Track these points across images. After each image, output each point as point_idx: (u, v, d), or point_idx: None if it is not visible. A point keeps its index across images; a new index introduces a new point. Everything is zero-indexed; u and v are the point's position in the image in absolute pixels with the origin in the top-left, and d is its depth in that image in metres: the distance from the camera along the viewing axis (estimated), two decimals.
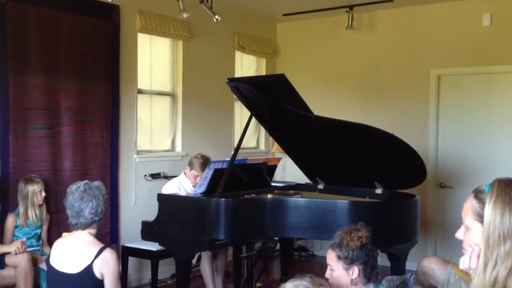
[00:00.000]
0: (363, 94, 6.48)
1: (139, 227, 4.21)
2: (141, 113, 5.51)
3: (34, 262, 3.98)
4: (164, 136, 5.87)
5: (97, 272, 2.76)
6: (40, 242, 4.31)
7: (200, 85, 6.04)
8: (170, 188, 4.74)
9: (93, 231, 2.88)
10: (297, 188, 4.98)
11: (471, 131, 5.86)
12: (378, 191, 4.41)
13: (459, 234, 1.57)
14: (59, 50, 4.63)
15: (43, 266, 3.95)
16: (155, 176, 5.50)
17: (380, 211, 3.97)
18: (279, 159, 5.10)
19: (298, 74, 6.41)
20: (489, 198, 1.44)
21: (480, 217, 1.47)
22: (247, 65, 6.96)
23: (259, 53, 6.91)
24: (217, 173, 4.00)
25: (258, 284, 4.98)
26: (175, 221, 4.01)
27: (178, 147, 5.90)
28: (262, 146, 7.14)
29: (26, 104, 4.43)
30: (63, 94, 4.68)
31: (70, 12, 4.69)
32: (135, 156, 5.35)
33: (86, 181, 2.92)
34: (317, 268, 5.99)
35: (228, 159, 4.16)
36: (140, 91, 5.47)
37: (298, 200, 4.04)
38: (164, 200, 4.15)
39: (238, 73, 6.65)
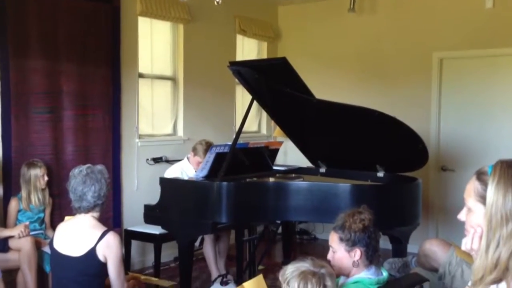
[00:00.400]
0: (365, 77, 6.46)
1: (141, 210, 4.22)
2: (142, 97, 5.50)
3: (38, 245, 4.00)
4: (165, 120, 5.87)
5: (100, 255, 2.78)
6: (43, 225, 4.33)
7: (201, 69, 6.02)
8: (172, 173, 4.75)
9: (96, 214, 2.89)
10: (298, 171, 4.99)
11: (473, 114, 5.84)
12: (380, 174, 4.42)
13: (461, 216, 1.58)
14: (59, 33, 4.61)
15: (46, 249, 3.97)
16: (157, 160, 5.51)
17: (381, 194, 3.98)
18: (280, 143, 5.11)
19: (300, 57, 6.38)
20: (492, 179, 1.44)
21: (482, 199, 1.48)
22: (248, 49, 6.93)
23: (261, 37, 6.87)
24: (219, 157, 4.01)
25: (260, 267, 5.01)
26: (178, 204, 4.03)
27: (180, 131, 5.90)
28: (264, 130, 7.14)
29: (27, 88, 4.42)
30: (64, 78, 4.67)
31: None
32: (137, 140, 5.36)
33: (89, 165, 2.93)
34: (319, 251, 6.02)
35: (230, 143, 4.16)
36: (141, 75, 5.46)
37: (300, 183, 4.05)
38: (167, 184, 4.16)
39: (240, 57, 6.62)
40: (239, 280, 4.62)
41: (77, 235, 2.84)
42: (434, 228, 6.08)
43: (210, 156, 4.04)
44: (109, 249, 2.79)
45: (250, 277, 4.36)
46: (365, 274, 2.43)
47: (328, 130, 4.46)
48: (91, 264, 2.79)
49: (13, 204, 4.19)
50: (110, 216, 5.04)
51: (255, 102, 4.42)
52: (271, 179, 4.51)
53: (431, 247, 3.20)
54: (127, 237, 4.89)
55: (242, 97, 6.63)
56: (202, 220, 3.86)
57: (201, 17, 5.98)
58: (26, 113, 4.43)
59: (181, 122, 5.89)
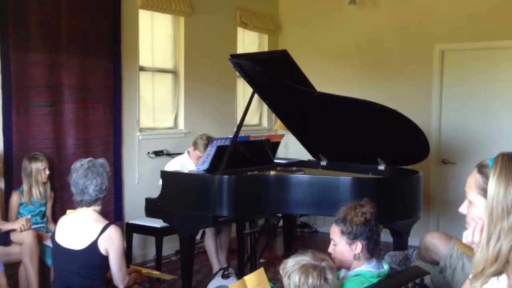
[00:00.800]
0: (366, 70, 6.44)
1: (143, 204, 4.23)
2: (143, 90, 5.49)
3: (39, 239, 4.01)
4: (166, 114, 5.86)
5: (101, 248, 2.79)
6: (45, 219, 4.34)
7: (202, 62, 6.01)
8: (172, 167, 4.75)
9: (97, 208, 2.90)
10: (299, 164, 4.99)
11: (474, 107, 5.83)
12: (381, 167, 4.42)
13: (463, 209, 1.58)
14: (60, 27, 4.60)
15: (48, 243, 3.98)
16: (158, 153, 5.51)
17: (382, 187, 3.98)
18: (281, 136, 5.10)
19: (301, 50, 6.36)
20: (493, 172, 1.44)
21: (483, 191, 1.48)
22: (249, 42, 6.91)
23: (261, 29, 6.85)
24: (220, 150, 4.01)
25: (261, 260, 5.02)
26: (179, 198, 4.03)
27: (181, 125, 5.89)
28: (265, 123, 7.14)
29: (28, 81, 4.41)
30: (64, 71, 4.66)
31: None
32: (138, 133, 5.35)
33: (90, 158, 2.94)
34: (320, 244, 6.03)
35: (231, 136, 4.15)
36: (142, 68, 5.45)
37: (301, 176, 4.05)
38: (168, 177, 4.16)
39: (240, 50, 6.61)
40: (240, 273, 4.63)
41: (79, 228, 2.85)
42: (435, 221, 6.08)
43: (211, 150, 4.03)
44: (111, 242, 2.80)
45: (251, 270, 4.37)
46: (366, 267, 2.43)
47: (329, 123, 4.45)
48: (92, 257, 2.80)
49: (15, 198, 4.20)
50: (112, 209, 5.05)
51: (256, 95, 4.42)
52: (272, 172, 4.51)
53: (432, 240, 3.19)
54: (129, 231, 4.90)
55: (243, 90, 6.62)
56: (203, 213, 3.86)
57: (202, 10, 5.96)
58: (27, 107, 4.42)
59: (182, 115, 5.89)
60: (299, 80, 4.14)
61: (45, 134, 4.55)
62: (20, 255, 3.86)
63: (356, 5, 6.28)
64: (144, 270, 3.35)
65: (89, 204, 2.87)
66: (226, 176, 3.81)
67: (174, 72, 5.89)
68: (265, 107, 6.72)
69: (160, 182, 4.29)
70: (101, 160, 2.94)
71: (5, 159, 4.30)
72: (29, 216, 4.08)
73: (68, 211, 3.09)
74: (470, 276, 1.52)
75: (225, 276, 4.63)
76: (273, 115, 6.38)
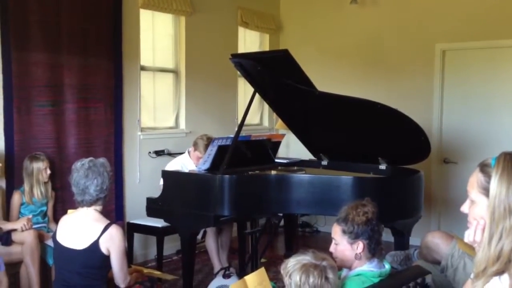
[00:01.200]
0: (367, 69, 6.44)
1: (144, 203, 4.23)
2: (144, 90, 5.50)
3: (41, 238, 4.01)
4: (167, 113, 5.86)
5: (103, 248, 2.79)
6: (46, 219, 4.34)
7: (203, 62, 6.01)
8: (172, 167, 4.74)
9: (98, 207, 2.90)
10: (301, 164, 4.99)
11: (476, 106, 5.82)
12: (382, 167, 4.42)
13: (464, 208, 1.57)
14: (61, 26, 4.60)
15: (49, 242, 3.99)
16: (159, 153, 5.51)
17: (384, 186, 3.98)
18: (283, 136, 5.10)
19: (302, 49, 6.36)
20: (495, 172, 1.44)
21: (485, 191, 1.47)
22: (250, 41, 6.91)
23: (263, 29, 6.85)
24: (221, 149, 4.01)
25: (262, 260, 5.02)
26: (180, 197, 4.03)
27: (182, 124, 5.89)
28: (266, 123, 7.13)
29: (29, 81, 4.42)
30: (65, 70, 4.66)
31: None
32: (139, 133, 5.35)
33: (91, 158, 2.93)
34: (321, 243, 6.02)
35: (232, 135, 4.15)
36: (143, 68, 5.45)
37: (302, 176, 4.05)
38: (169, 177, 4.16)
39: (241, 49, 6.61)
40: (241, 273, 4.63)
41: (80, 228, 2.85)
42: (436, 221, 6.07)
43: (212, 149, 4.03)
44: (112, 242, 2.80)
45: (252, 270, 4.36)
46: (368, 267, 2.43)
47: (330, 123, 4.45)
48: (94, 257, 2.80)
49: (16, 198, 4.20)
50: (113, 209, 5.05)
51: (257, 95, 4.42)
52: (273, 172, 4.51)
53: (433, 240, 3.19)
54: (130, 230, 4.90)
55: (244, 89, 6.62)
56: (204, 213, 3.86)
57: (203, 10, 5.96)
58: (28, 106, 4.42)
59: (183, 115, 5.89)
60: (300, 79, 4.14)
61: (46, 134, 4.55)
62: (21, 255, 3.86)
63: (357, 4, 6.28)
64: (145, 270, 3.36)
65: (90, 204, 2.86)
66: (227, 175, 3.81)
67: (175, 72, 5.89)
68: (266, 106, 6.72)
69: (161, 181, 4.29)
70: (102, 160, 2.94)
71: (7, 159, 4.30)
72: (30, 216, 4.09)
73: (69, 211, 3.09)
74: (472, 276, 1.51)
75: (226, 276, 4.63)
76: (274, 115, 6.38)
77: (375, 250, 2.45)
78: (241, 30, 6.65)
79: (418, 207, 4.10)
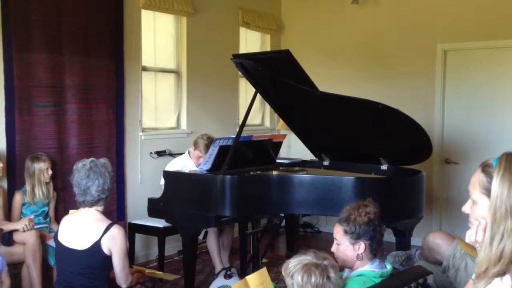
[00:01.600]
0: (368, 69, 6.43)
1: (145, 204, 4.23)
2: (145, 90, 5.50)
3: (42, 239, 4.02)
4: (169, 114, 5.86)
5: (105, 248, 2.79)
6: (48, 219, 4.34)
7: (204, 62, 6.01)
8: (173, 167, 4.74)
9: (100, 208, 2.90)
10: (302, 164, 4.98)
11: (477, 107, 5.82)
12: (384, 167, 4.42)
13: (466, 208, 1.57)
14: (63, 27, 4.60)
15: (51, 243, 3.99)
16: (160, 153, 5.51)
17: (385, 187, 3.98)
18: (284, 136, 5.10)
19: (303, 49, 6.36)
20: (497, 172, 1.44)
21: (487, 191, 1.47)
22: (251, 41, 6.91)
23: (264, 29, 6.85)
24: (223, 150, 4.01)
25: (263, 260, 5.02)
26: (181, 198, 4.03)
27: (183, 125, 5.90)
28: (267, 123, 7.13)
29: (30, 82, 4.42)
30: (67, 71, 4.66)
31: None
32: (141, 133, 5.36)
33: (92, 158, 2.94)
34: (322, 244, 6.02)
35: (233, 136, 4.15)
36: (144, 68, 5.45)
37: (303, 176, 4.04)
38: (170, 177, 4.16)
39: (243, 50, 6.61)
40: (242, 273, 4.63)
41: (82, 228, 2.85)
42: (437, 221, 6.07)
43: (214, 149, 4.03)
44: (114, 242, 2.81)
45: (253, 270, 4.36)
46: (369, 267, 2.43)
47: (331, 123, 4.45)
48: (96, 257, 2.80)
49: (18, 198, 4.20)
50: (114, 209, 5.05)
51: (258, 95, 4.42)
52: (275, 172, 4.50)
53: (435, 240, 3.19)
54: (131, 231, 4.91)
55: (246, 90, 6.62)
56: (206, 213, 3.86)
57: (204, 10, 5.96)
58: (29, 107, 4.43)
59: (184, 115, 5.89)
60: (301, 79, 4.14)
61: (48, 134, 4.55)
62: (23, 255, 3.86)
63: (358, 4, 6.28)
64: (146, 270, 3.36)
65: (91, 204, 2.87)
66: (229, 176, 3.81)
67: (176, 72, 5.89)
68: (268, 107, 6.72)
69: (162, 181, 4.29)
70: (103, 160, 2.94)
71: (8, 159, 4.30)
72: (32, 216, 4.09)
73: (71, 211, 3.09)
74: (473, 276, 1.51)
75: (227, 276, 4.63)
76: (276, 115, 6.38)
77: (376, 251, 2.46)
78: (242, 31, 6.65)
79: (420, 208, 4.10)
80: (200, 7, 5.89)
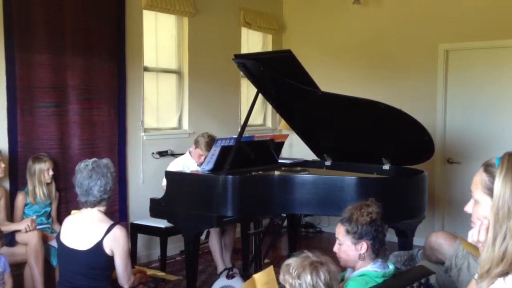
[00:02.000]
0: (370, 69, 6.43)
1: (147, 204, 4.23)
2: (147, 91, 5.50)
3: (44, 239, 4.02)
4: (171, 114, 5.87)
5: (107, 248, 2.79)
6: (50, 220, 4.35)
7: (206, 62, 6.01)
8: (174, 168, 4.74)
9: (102, 208, 2.90)
10: (304, 164, 4.98)
11: (479, 106, 5.81)
12: (386, 167, 4.41)
13: (468, 208, 1.57)
14: (65, 27, 4.61)
15: (53, 243, 3.99)
16: (162, 153, 5.52)
17: (387, 187, 3.98)
18: (286, 136, 5.10)
19: (305, 50, 6.36)
20: (499, 172, 1.43)
21: (489, 191, 1.47)
22: (253, 42, 6.91)
23: (265, 29, 6.85)
24: (224, 150, 4.01)
25: (266, 260, 5.01)
26: (183, 198, 4.03)
27: (185, 125, 5.90)
28: (269, 123, 7.13)
29: (32, 82, 4.42)
30: (69, 71, 4.67)
31: None
32: (142, 134, 5.36)
33: (94, 159, 2.94)
34: (324, 244, 6.02)
35: (235, 136, 4.15)
36: (146, 69, 5.46)
37: (305, 176, 4.04)
38: (172, 178, 4.16)
39: (244, 50, 6.61)
40: (244, 274, 4.64)
41: (84, 229, 2.85)
42: (440, 221, 6.06)
43: (216, 150, 4.03)
44: (116, 243, 2.81)
45: (256, 271, 4.37)
46: (371, 267, 2.43)
47: (333, 123, 4.45)
48: (98, 257, 2.80)
49: (20, 198, 4.21)
50: (116, 209, 5.06)
51: (260, 95, 4.41)
52: (277, 172, 4.50)
53: (437, 240, 3.19)
54: (133, 231, 4.91)
55: (247, 90, 6.62)
56: (208, 213, 3.86)
57: (205, 10, 5.97)
58: (32, 108, 4.43)
59: (186, 116, 5.89)
60: (303, 80, 4.14)
61: (50, 135, 4.56)
62: (25, 256, 3.87)
63: (360, 4, 6.27)
64: (148, 271, 3.36)
65: (93, 204, 2.87)
66: (231, 176, 3.81)
67: (178, 73, 5.89)
68: (269, 107, 6.72)
69: (164, 182, 4.29)
70: (105, 161, 2.94)
71: (10, 160, 4.31)
72: (34, 217, 4.09)
73: (73, 212, 3.09)
74: (476, 276, 1.51)
75: (229, 276, 4.63)
76: (277, 115, 6.38)
77: (379, 251, 2.45)
78: (244, 31, 6.65)
79: (422, 208, 4.09)
80: (201, 7, 5.89)
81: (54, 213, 4.41)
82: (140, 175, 5.35)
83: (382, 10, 6.35)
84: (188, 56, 5.85)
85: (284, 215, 4.87)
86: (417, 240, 4.28)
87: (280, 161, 4.90)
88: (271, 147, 4.70)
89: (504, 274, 1.41)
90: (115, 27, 5.01)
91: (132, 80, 5.23)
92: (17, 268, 3.91)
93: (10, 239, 3.85)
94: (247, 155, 4.38)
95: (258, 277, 2.38)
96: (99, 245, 2.78)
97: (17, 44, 4.30)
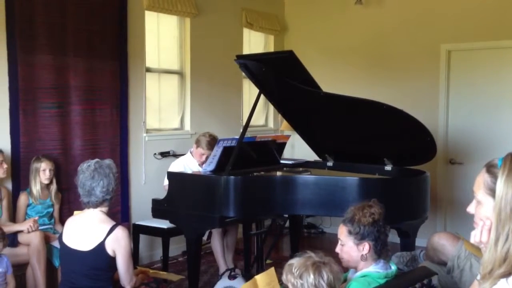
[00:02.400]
0: (372, 70, 6.43)
1: (149, 205, 4.23)
2: (149, 91, 5.51)
3: (47, 240, 4.03)
4: (172, 115, 5.87)
5: (109, 249, 2.79)
6: (52, 220, 4.36)
7: (208, 63, 6.01)
8: (175, 168, 4.74)
9: (104, 209, 2.91)
10: (306, 165, 4.98)
11: (482, 107, 5.80)
12: (388, 167, 4.40)
13: (471, 208, 1.57)
14: (67, 28, 4.62)
15: (55, 243, 4.00)
16: (164, 154, 5.52)
17: (389, 187, 3.97)
18: (288, 137, 5.10)
19: (307, 50, 6.36)
20: (502, 172, 1.43)
21: (492, 191, 1.47)
22: (255, 42, 6.91)
23: (267, 30, 6.85)
24: (226, 151, 4.01)
25: (268, 261, 5.01)
26: (185, 198, 4.03)
27: (187, 126, 5.90)
28: (271, 124, 7.13)
29: (35, 83, 4.43)
30: (71, 72, 4.68)
31: None
32: (144, 134, 5.37)
33: (97, 159, 2.94)
34: (326, 245, 6.02)
35: (237, 137, 4.15)
36: (148, 70, 5.46)
37: (307, 177, 4.04)
38: (174, 178, 4.16)
39: (246, 50, 6.61)
40: (246, 274, 4.63)
41: (86, 229, 2.85)
42: (442, 222, 6.05)
43: (218, 150, 4.03)
44: (118, 243, 2.81)
45: (258, 271, 4.37)
46: (374, 268, 2.42)
47: (335, 124, 4.44)
48: (100, 258, 2.80)
49: (22, 199, 4.22)
50: (118, 210, 5.06)
51: (262, 96, 4.41)
52: (279, 173, 4.50)
53: (439, 241, 3.18)
54: (135, 232, 4.91)
55: (249, 90, 6.63)
56: (210, 214, 3.86)
57: (207, 11, 5.97)
58: (34, 108, 4.44)
59: (188, 116, 5.90)
60: (305, 80, 4.14)
61: (52, 136, 4.57)
62: (27, 256, 3.87)
63: (362, 5, 6.27)
64: (151, 271, 3.36)
65: (96, 205, 2.87)
66: (233, 176, 3.81)
67: (180, 73, 5.90)
68: (271, 107, 6.71)
69: (166, 182, 4.29)
70: (107, 161, 2.95)
71: (13, 161, 4.32)
72: (36, 217, 4.10)
73: (76, 212, 3.10)
74: (478, 277, 1.51)
75: (231, 277, 4.63)
76: (279, 116, 6.38)
77: (381, 251, 2.45)
78: (246, 31, 6.65)
79: (424, 208, 4.09)
80: (203, 8, 5.89)
81: (56, 214, 4.41)
82: (142, 176, 5.36)
83: (384, 10, 6.35)
84: (190, 57, 5.85)
85: (286, 215, 4.87)
86: (419, 241, 4.27)
87: (282, 161, 4.90)
88: (273, 148, 4.70)
89: (506, 274, 1.41)
90: (117, 28, 5.02)
91: (134, 81, 5.24)
92: (20, 269, 3.92)
93: (12, 239, 3.86)
94: (249, 156, 4.37)
95: (260, 278, 2.38)
96: (101, 246, 2.78)
97: (19, 45, 4.31)
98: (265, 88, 4.41)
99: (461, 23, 5.83)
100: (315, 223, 6.81)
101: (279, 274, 2.32)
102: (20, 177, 4.35)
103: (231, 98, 6.41)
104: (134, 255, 4.63)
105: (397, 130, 4.11)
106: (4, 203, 4.12)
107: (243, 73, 4.58)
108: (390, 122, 4.05)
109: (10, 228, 3.90)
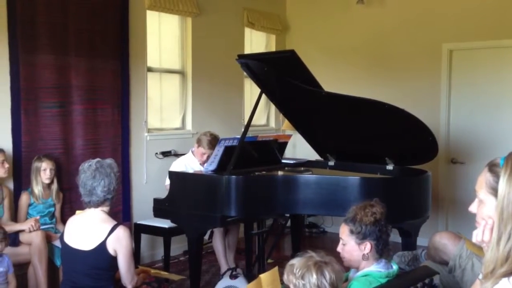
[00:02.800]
0: (374, 69, 6.42)
1: (151, 204, 4.23)
2: (151, 91, 5.51)
3: (48, 239, 4.03)
4: (174, 114, 5.87)
5: (110, 249, 2.79)
6: (54, 220, 4.36)
7: (209, 63, 6.01)
8: (176, 168, 4.74)
9: (106, 208, 2.91)
10: (307, 165, 4.98)
11: (483, 106, 5.79)
12: (389, 167, 4.40)
13: (472, 208, 1.56)
14: (68, 28, 4.62)
15: (57, 243, 4.00)
16: (166, 154, 5.52)
17: (391, 187, 3.97)
18: (289, 136, 5.10)
19: (308, 50, 6.35)
20: (504, 171, 1.43)
21: (494, 191, 1.46)
22: (256, 42, 6.91)
23: (269, 29, 6.85)
24: (228, 150, 4.01)
25: (269, 260, 5.01)
26: (187, 198, 4.03)
27: (189, 125, 5.90)
28: (273, 123, 7.13)
29: (36, 83, 4.44)
30: (73, 72, 4.68)
31: None
32: (146, 134, 5.37)
33: (98, 159, 2.94)
34: (328, 244, 6.02)
35: (239, 136, 4.15)
36: (149, 69, 5.46)
37: (308, 176, 4.04)
38: (176, 178, 4.16)
39: (248, 50, 6.61)
40: (248, 274, 4.63)
41: (88, 229, 2.85)
42: (444, 221, 6.05)
43: (219, 150, 4.03)
44: (119, 243, 2.81)
45: (259, 271, 4.37)
46: (375, 267, 2.42)
47: (337, 123, 4.44)
48: (101, 258, 2.80)
49: (24, 198, 4.22)
50: (120, 210, 5.06)
51: (263, 95, 4.41)
52: (280, 172, 4.50)
53: (441, 240, 3.18)
54: (137, 231, 4.91)
55: (251, 90, 6.62)
56: (211, 213, 3.86)
57: (209, 11, 5.97)
58: (35, 108, 4.45)
59: (189, 116, 5.90)
60: (306, 80, 4.13)
61: (54, 135, 4.57)
62: (29, 256, 3.88)
63: (363, 4, 6.26)
64: (152, 271, 3.36)
65: (97, 205, 2.87)
66: (234, 176, 3.81)
67: (181, 73, 5.90)
68: (273, 107, 6.71)
69: (167, 182, 4.29)
70: (109, 161, 2.95)
71: (14, 160, 4.33)
72: (38, 217, 4.10)
73: (77, 212, 3.10)
74: (480, 276, 1.50)
75: (233, 277, 4.62)
76: (281, 115, 6.37)
77: (382, 251, 2.45)
78: (247, 31, 6.65)
79: (426, 208, 4.08)
80: (205, 7, 5.89)
81: (58, 213, 4.41)
82: (143, 175, 5.36)
83: (386, 10, 6.34)
84: (192, 57, 5.85)
85: (288, 215, 4.87)
86: (421, 240, 4.27)
87: (283, 161, 4.89)
88: (274, 147, 4.70)
89: (508, 274, 1.41)
90: (118, 28, 5.02)
91: (135, 80, 5.24)
92: (21, 268, 3.92)
93: (14, 239, 3.86)
94: (250, 155, 4.37)
95: (264, 277, 2.38)
96: (102, 245, 2.78)
97: (21, 45, 4.31)
98: (266, 88, 4.40)
99: (463, 23, 5.82)
100: (317, 223, 6.81)
101: (280, 274, 2.31)
102: (21, 177, 4.36)
103: (232, 97, 6.41)
104: (136, 254, 4.64)
105: (398, 129, 4.10)
106: (6, 202, 4.13)
107: (245, 73, 4.58)
108: (391, 121, 4.05)
109: (11, 227, 3.90)
